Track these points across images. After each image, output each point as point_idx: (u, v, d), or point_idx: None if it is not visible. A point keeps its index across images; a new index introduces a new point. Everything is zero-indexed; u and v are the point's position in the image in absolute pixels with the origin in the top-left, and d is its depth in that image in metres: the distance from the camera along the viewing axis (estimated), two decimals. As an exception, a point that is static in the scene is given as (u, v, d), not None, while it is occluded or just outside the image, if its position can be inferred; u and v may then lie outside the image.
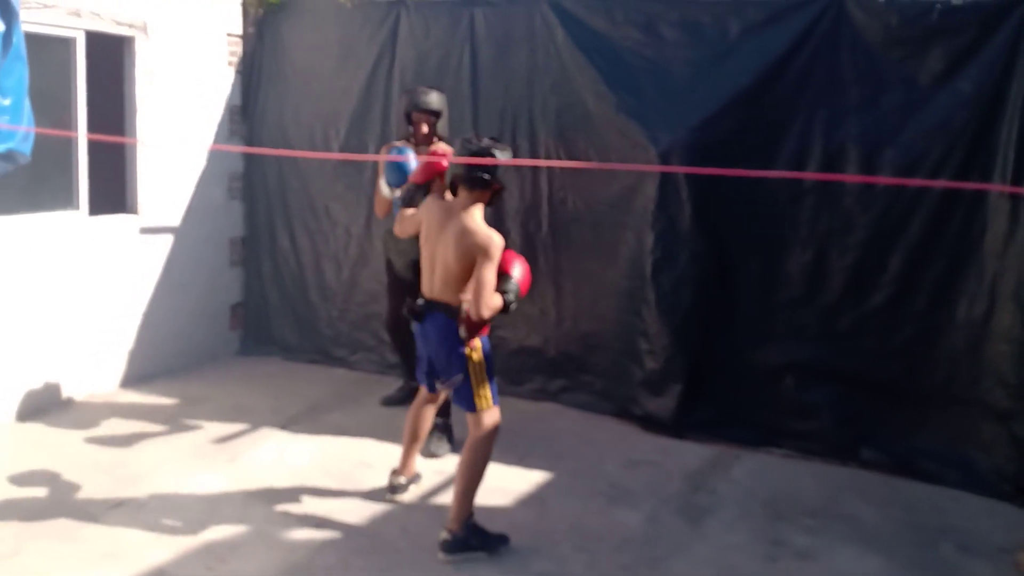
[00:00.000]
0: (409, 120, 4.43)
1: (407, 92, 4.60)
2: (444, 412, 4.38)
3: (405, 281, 4.52)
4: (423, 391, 3.83)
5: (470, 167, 3.38)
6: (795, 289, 4.57)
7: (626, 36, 4.85)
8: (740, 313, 4.70)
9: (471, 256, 3.35)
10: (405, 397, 4.86)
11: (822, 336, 4.54)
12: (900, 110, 4.32)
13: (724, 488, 4.14)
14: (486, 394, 3.50)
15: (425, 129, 4.39)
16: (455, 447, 4.39)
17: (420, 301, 3.52)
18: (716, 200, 4.62)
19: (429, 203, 3.58)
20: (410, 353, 4.55)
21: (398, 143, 4.47)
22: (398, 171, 4.10)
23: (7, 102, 3.98)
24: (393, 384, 5.30)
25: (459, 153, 3.45)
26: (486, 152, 3.38)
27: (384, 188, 4.32)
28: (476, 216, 3.41)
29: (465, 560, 3.38)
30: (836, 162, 4.44)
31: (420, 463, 4.27)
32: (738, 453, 4.55)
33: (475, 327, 3.44)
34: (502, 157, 3.41)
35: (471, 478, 3.45)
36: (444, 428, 4.46)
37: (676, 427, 4.73)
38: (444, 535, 3.42)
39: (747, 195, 4.53)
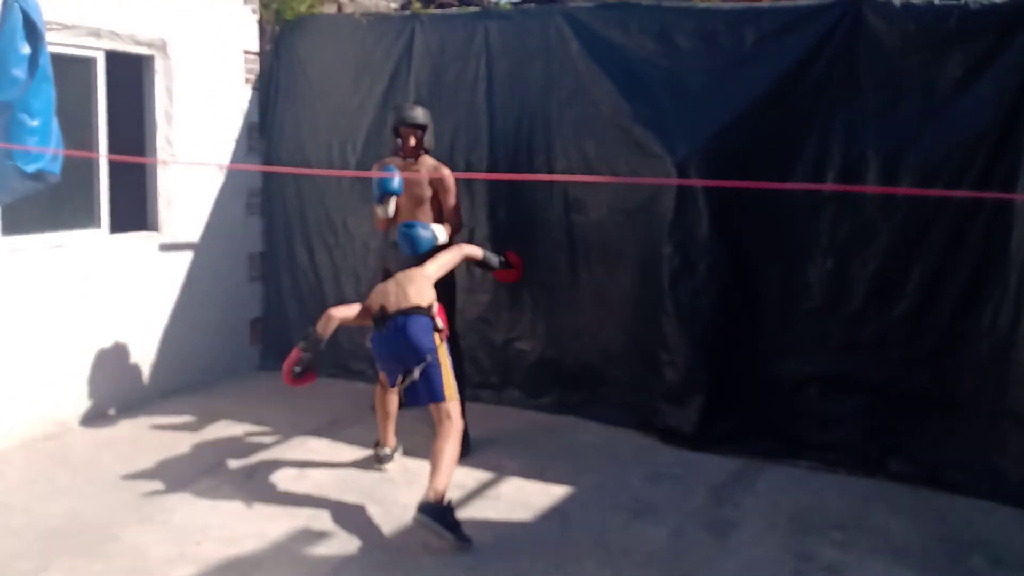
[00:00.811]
0: (396, 134, 4.64)
1: (394, 108, 4.82)
2: None
3: None
4: (385, 381, 4.24)
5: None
6: (817, 298, 4.53)
7: (641, 46, 4.84)
8: (761, 323, 4.65)
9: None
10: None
11: (846, 346, 4.49)
12: (920, 117, 4.28)
13: (749, 501, 4.09)
14: (452, 383, 3.90)
15: (412, 142, 4.62)
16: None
17: (379, 313, 3.94)
18: (735, 209, 4.59)
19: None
20: None
21: (388, 160, 4.71)
22: (379, 187, 4.51)
23: (36, 123, 4.07)
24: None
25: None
26: None
27: (384, 211, 4.64)
28: None
29: (436, 532, 3.52)
30: (856, 170, 4.40)
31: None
32: (762, 466, 4.49)
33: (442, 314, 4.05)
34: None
35: (452, 465, 3.74)
36: None
37: (698, 439, 4.69)
38: (428, 498, 3.58)
39: (766, 203, 4.50)
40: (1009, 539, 3.77)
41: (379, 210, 4.64)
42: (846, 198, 4.43)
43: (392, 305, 3.98)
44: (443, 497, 3.61)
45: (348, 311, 4.16)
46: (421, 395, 3.89)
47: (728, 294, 4.66)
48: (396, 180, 4.50)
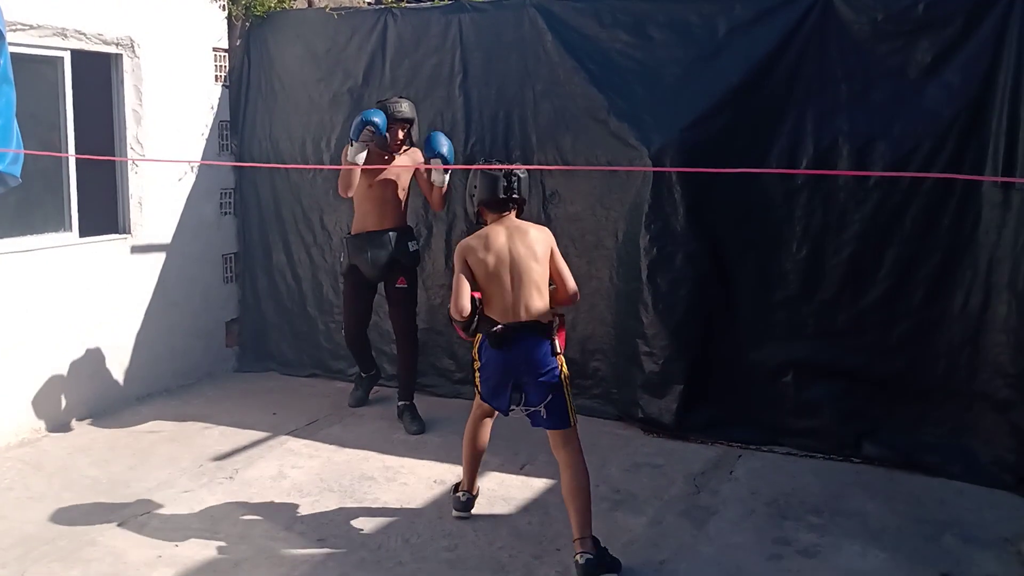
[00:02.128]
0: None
1: (380, 103, 4.76)
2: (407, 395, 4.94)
3: (371, 283, 4.91)
4: (481, 408, 3.72)
5: (488, 193, 3.53)
6: (792, 286, 4.56)
7: (614, 38, 4.85)
8: (738, 312, 4.68)
9: (548, 256, 3.51)
10: (366, 394, 5.31)
11: (821, 333, 4.53)
12: (890, 104, 4.32)
13: (727, 489, 4.12)
14: (573, 406, 3.50)
15: (400, 136, 4.74)
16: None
17: (499, 328, 3.38)
18: (710, 199, 4.61)
19: (477, 240, 3.49)
20: (368, 354, 5.23)
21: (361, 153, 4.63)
22: (363, 117, 4.49)
23: (-4, 124, 3.97)
24: (392, 395, 5.27)
25: (488, 180, 3.54)
26: (513, 174, 3.57)
27: (352, 152, 4.55)
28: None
29: None
30: (828, 158, 4.43)
31: (422, 476, 4.27)
32: (740, 453, 4.53)
33: (563, 337, 3.52)
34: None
35: (588, 495, 3.40)
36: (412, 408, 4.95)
37: (678, 429, 4.72)
38: (580, 558, 3.29)
39: (741, 193, 4.53)
40: (980, 518, 3.83)
41: (351, 151, 4.55)
42: (819, 186, 4.46)
43: (503, 315, 3.42)
44: (595, 544, 3.33)
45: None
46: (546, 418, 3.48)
47: (705, 284, 4.69)
48: (381, 118, 4.50)
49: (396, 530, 3.72)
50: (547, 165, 5.05)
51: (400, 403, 4.97)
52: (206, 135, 5.72)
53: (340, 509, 3.91)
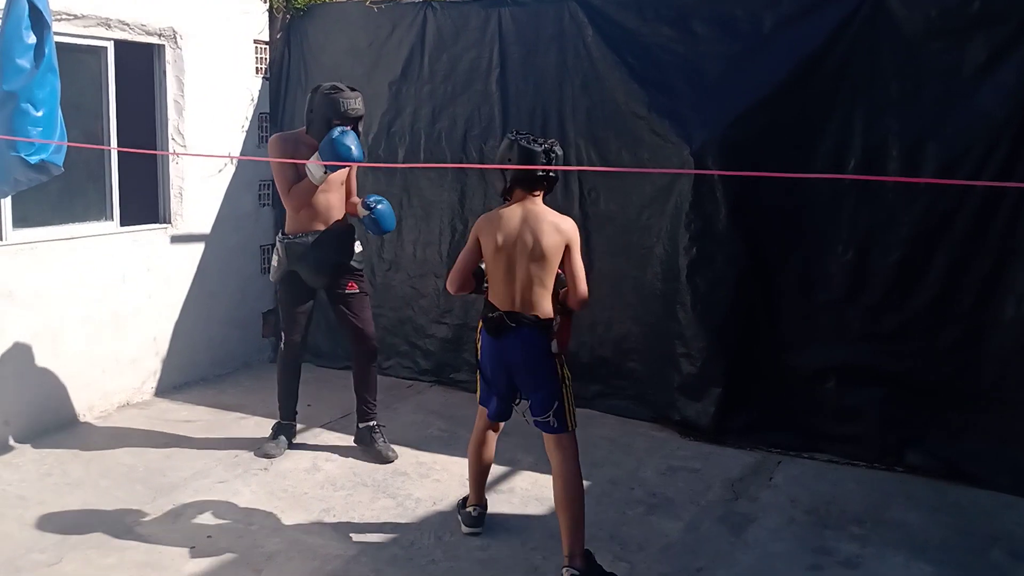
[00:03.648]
0: (328, 125, 4.08)
1: (329, 94, 4.12)
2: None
3: (311, 291, 4.37)
4: (484, 420, 3.56)
5: (532, 169, 3.28)
6: (836, 289, 4.45)
7: (657, 32, 4.76)
8: (780, 315, 4.58)
9: (560, 253, 3.28)
10: (290, 440, 4.52)
11: (865, 337, 4.41)
12: (941, 103, 4.19)
13: (766, 495, 4.04)
14: (574, 410, 3.37)
15: None
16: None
17: (496, 314, 3.28)
18: (753, 199, 4.52)
19: (493, 218, 3.34)
20: (293, 391, 4.54)
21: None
22: (341, 148, 3.94)
23: (40, 113, 4.01)
24: (426, 390, 5.26)
25: (525, 155, 3.28)
26: (552, 151, 3.34)
27: (316, 170, 4.07)
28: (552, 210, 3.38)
29: None
30: (876, 158, 4.31)
31: (454, 473, 4.24)
32: (779, 459, 4.44)
33: (566, 339, 3.38)
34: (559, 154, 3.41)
35: (577, 508, 3.25)
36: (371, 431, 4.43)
37: (715, 433, 4.63)
38: (567, 573, 3.19)
39: (785, 193, 4.43)
40: (1031, 533, 3.71)
41: (315, 171, 4.04)
42: (867, 187, 4.34)
43: (503, 302, 3.31)
44: (583, 557, 3.21)
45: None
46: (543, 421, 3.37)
47: (746, 285, 4.59)
48: (358, 147, 4.03)
49: (429, 527, 3.70)
50: (584, 162, 4.97)
51: (364, 424, 4.41)
52: (246, 127, 5.74)
53: (373, 504, 3.89)
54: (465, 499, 3.76)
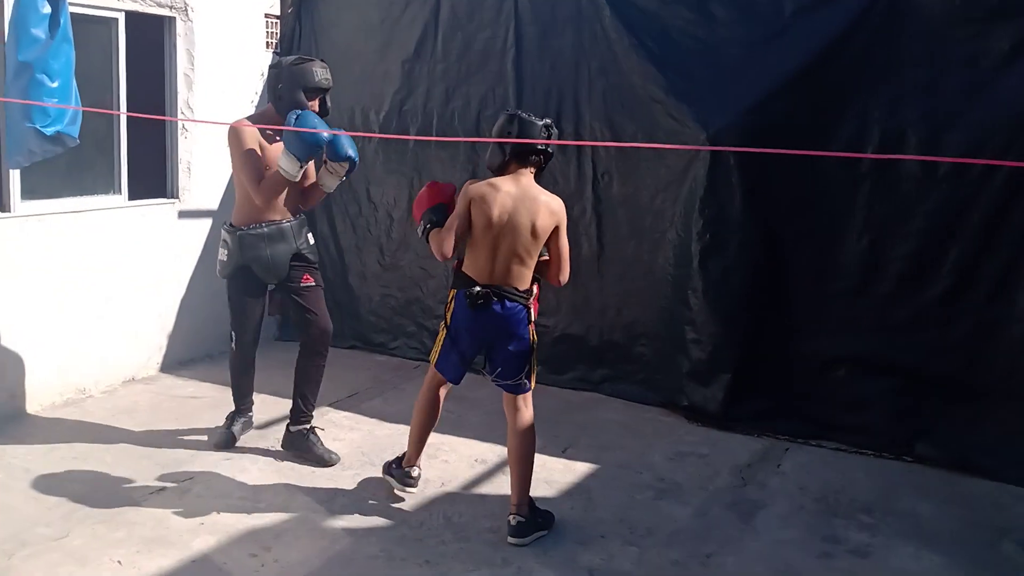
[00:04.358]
0: (299, 97, 3.85)
1: (299, 66, 3.85)
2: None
3: (263, 287, 4.12)
4: (436, 380, 3.61)
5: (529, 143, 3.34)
6: (849, 278, 4.42)
7: (676, 15, 4.72)
8: (792, 302, 4.56)
9: (549, 233, 3.38)
10: (239, 431, 4.26)
11: (877, 327, 4.39)
12: (962, 93, 4.15)
13: (774, 482, 4.03)
14: (536, 370, 3.55)
15: (317, 107, 3.95)
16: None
17: (479, 289, 3.33)
18: (768, 186, 4.48)
19: (487, 189, 3.35)
20: (251, 378, 4.33)
21: (247, 125, 3.93)
22: (313, 142, 3.68)
23: (55, 84, 3.98)
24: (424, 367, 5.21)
25: (526, 129, 3.36)
26: (551, 127, 3.44)
27: (290, 165, 3.74)
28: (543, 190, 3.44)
29: (534, 540, 3.38)
30: (895, 147, 4.27)
31: (463, 455, 4.23)
32: (787, 446, 4.43)
33: (537, 308, 3.48)
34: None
35: (531, 461, 3.48)
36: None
37: (723, 419, 4.62)
38: (514, 520, 3.39)
39: (801, 181, 4.39)
40: (1041, 526, 3.70)
41: (288, 162, 3.73)
42: (883, 177, 4.31)
43: (483, 275, 3.38)
44: (528, 507, 3.42)
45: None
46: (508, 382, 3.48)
47: (759, 272, 4.57)
48: (353, 149, 3.83)
49: (438, 508, 3.68)
50: (599, 145, 4.93)
51: (297, 427, 4.12)
52: (255, 102, 5.68)
53: (382, 484, 3.87)
54: (399, 459, 3.78)
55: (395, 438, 4.38)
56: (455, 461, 4.16)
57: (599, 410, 4.88)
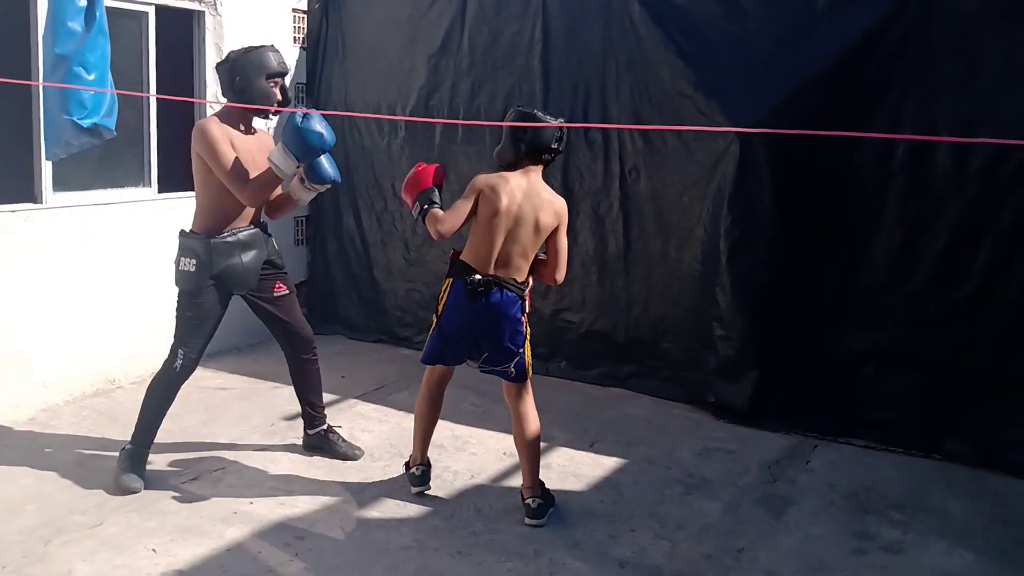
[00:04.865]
0: (262, 83, 3.67)
1: (254, 52, 3.69)
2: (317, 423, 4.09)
3: (227, 302, 3.82)
4: (438, 370, 3.64)
5: (542, 139, 3.38)
6: (880, 274, 4.40)
7: (705, 10, 4.69)
8: (820, 299, 4.53)
9: (551, 231, 3.44)
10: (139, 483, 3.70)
11: (907, 323, 4.36)
12: (996, 88, 4.10)
13: (804, 479, 4.02)
14: (532, 361, 3.62)
15: (279, 92, 3.75)
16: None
17: (479, 278, 3.38)
18: (798, 182, 4.46)
19: (503, 177, 3.41)
20: (162, 418, 3.85)
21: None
22: (317, 145, 3.48)
23: (91, 76, 4.01)
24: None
25: (541, 128, 3.40)
26: (562, 128, 3.48)
27: (286, 164, 3.51)
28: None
29: (548, 519, 3.50)
30: (927, 142, 4.24)
31: (491, 448, 4.24)
32: (816, 443, 4.41)
33: (530, 300, 3.57)
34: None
35: (539, 445, 3.58)
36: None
37: (751, 415, 4.60)
38: (534, 503, 3.48)
39: (832, 177, 4.37)
40: (1074, 524, 3.68)
41: (285, 161, 3.49)
42: (915, 173, 4.28)
43: (481, 265, 3.42)
44: (540, 487, 3.55)
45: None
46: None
47: (787, 269, 4.54)
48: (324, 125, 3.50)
49: (468, 499, 3.70)
50: (627, 140, 4.93)
51: (315, 431, 4.08)
52: (282, 96, 5.70)
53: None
54: (410, 459, 3.78)
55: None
56: (483, 454, 4.17)
57: (626, 406, 4.88)
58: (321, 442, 4.08)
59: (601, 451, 4.24)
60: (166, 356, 3.82)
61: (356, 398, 4.80)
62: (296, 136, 3.47)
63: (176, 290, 3.78)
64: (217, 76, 3.78)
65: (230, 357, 5.44)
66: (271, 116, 4.10)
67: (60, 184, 4.59)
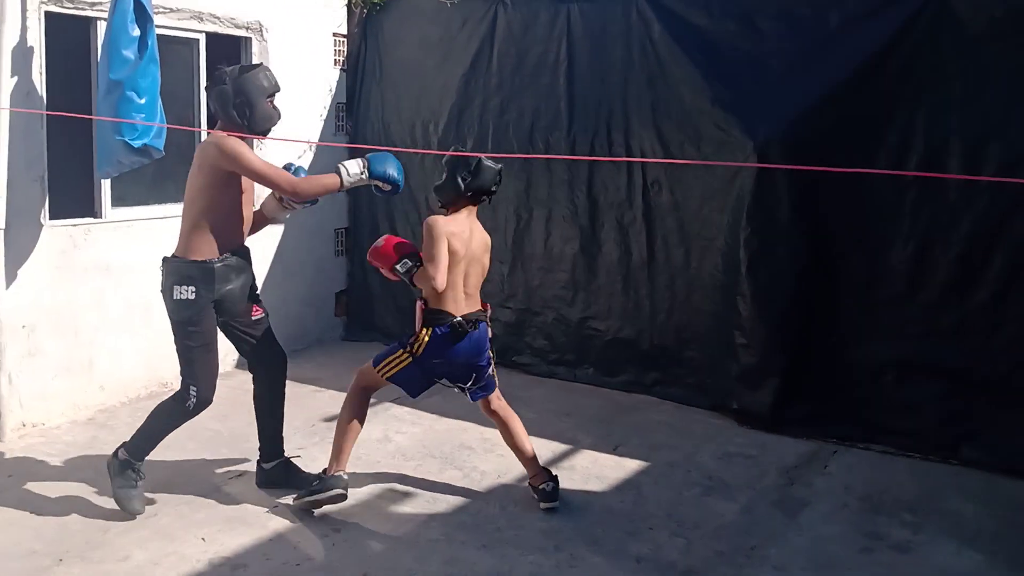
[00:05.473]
0: (264, 102, 3.61)
1: (257, 72, 3.60)
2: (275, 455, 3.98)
3: (217, 330, 3.71)
4: (373, 387, 3.81)
5: (485, 182, 3.69)
6: (897, 284, 4.52)
7: (723, 29, 4.88)
8: (839, 308, 4.66)
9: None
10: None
11: (924, 332, 4.47)
12: (1005, 104, 4.22)
13: (821, 482, 4.15)
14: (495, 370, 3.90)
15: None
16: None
17: (462, 320, 3.62)
18: (815, 194, 4.60)
19: (455, 221, 3.64)
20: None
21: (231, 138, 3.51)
22: (393, 181, 3.65)
23: (143, 101, 4.33)
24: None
25: (488, 172, 3.67)
26: (501, 171, 3.76)
27: (354, 171, 3.58)
28: None
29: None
30: (938, 156, 4.36)
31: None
32: (836, 449, 4.54)
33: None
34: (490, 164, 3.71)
35: (527, 436, 3.91)
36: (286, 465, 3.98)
37: (773, 422, 4.74)
38: (548, 486, 3.78)
39: (848, 188, 4.50)
40: (1087, 529, 3.76)
41: (351, 176, 3.56)
42: (928, 184, 4.40)
43: (457, 307, 3.66)
44: (545, 473, 3.86)
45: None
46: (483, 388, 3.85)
47: (807, 278, 4.69)
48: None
49: (494, 498, 3.91)
50: (648, 155, 5.12)
51: (274, 463, 3.92)
52: (324, 116, 6.02)
53: (441, 474, 4.12)
54: (327, 469, 3.72)
55: (454, 433, 4.63)
56: (511, 456, 4.30)
57: (650, 411, 5.05)
58: (282, 474, 3.92)
59: (624, 455, 4.42)
60: (178, 389, 3.72)
61: (391, 402, 5.04)
62: (387, 160, 3.63)
63: (172, 321, 3.62)
64: (209, 97, 3.62)
65: (273, 363, 5.72)
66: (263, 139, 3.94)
67: (118, 200, 4.92)
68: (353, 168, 3.58)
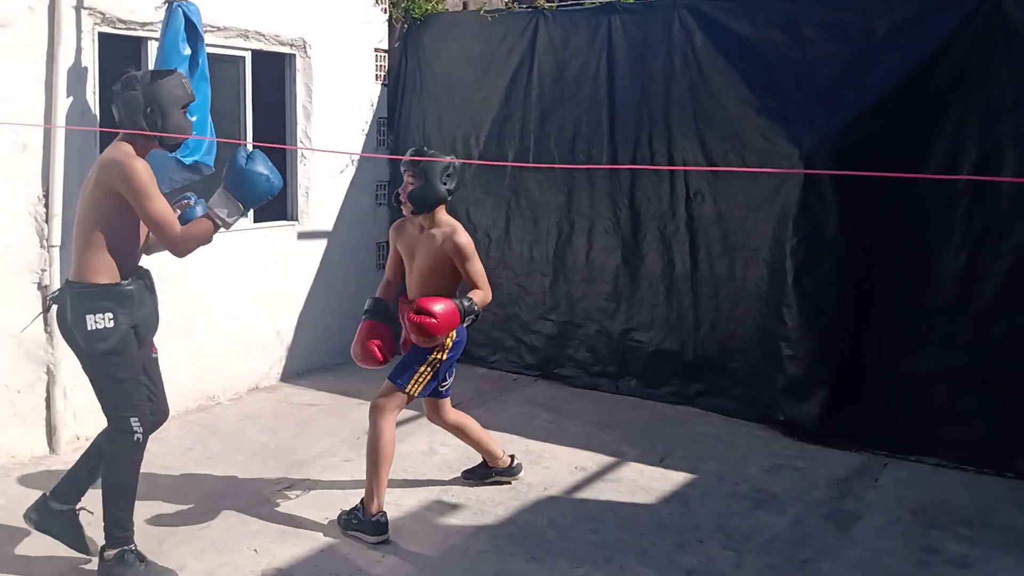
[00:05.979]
0: (179, 111, 3.26)
1: (171, 80, 3.22)
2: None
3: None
4: (399, 410, 3.81)
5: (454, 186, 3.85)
6: (947, 294, 4.45)
7: (767, 38, 4.85)
8: (888, 318, 4.60)
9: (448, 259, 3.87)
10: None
11: (975, 343, 4.39)
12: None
13: (872, 495, 4.09)
14: None
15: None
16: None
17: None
18: (863, 203, 4.55)
19: (402, 225, 3.96)
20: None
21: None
22: (267, 190, 3.24)
23: (194, 119, 4.40)
24: (531, 384, 5.46)
25: (442, 173, 3.74)
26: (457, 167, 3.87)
27: (230, 213, 3.22)
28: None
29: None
30: (990, 163, 4.30)
31: (563, 462, 4.42)
32: (886, 461, 4.47)
33: None
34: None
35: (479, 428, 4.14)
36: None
37: (820, 434, 4.68)
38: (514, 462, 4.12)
39: (896, 198, 4.45)
40: None
41: (230, 218, 3.21)
42: (980, 192, 4.33)
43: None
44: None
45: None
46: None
47: (854, 289, 4.63)
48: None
49: (541, 510, 3.90)
50: (691, 164, 5.10)
51: (64, 508, 3.37)
52: (365, 131, 6.09)
53: (486, 487, 4.12)
54: (363, 503, 3.64)
55: (498, 444, 4.62)
56: (556, 468, 4.37)
57: (695, 423, 5.02)
58: (64, 523, 3.38)
59: (671, 466, 4.39)
60: (109, 432, 3.23)
61: (435, 414, 5.06)
62: (240, 180, 3.17)
63: (87, 357, 3.17)
64: (115, 101, 3.18)
65: (318, 375, 5.79)
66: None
67: (168, 216, 5.00)
68: (226, 213, 3.20)
